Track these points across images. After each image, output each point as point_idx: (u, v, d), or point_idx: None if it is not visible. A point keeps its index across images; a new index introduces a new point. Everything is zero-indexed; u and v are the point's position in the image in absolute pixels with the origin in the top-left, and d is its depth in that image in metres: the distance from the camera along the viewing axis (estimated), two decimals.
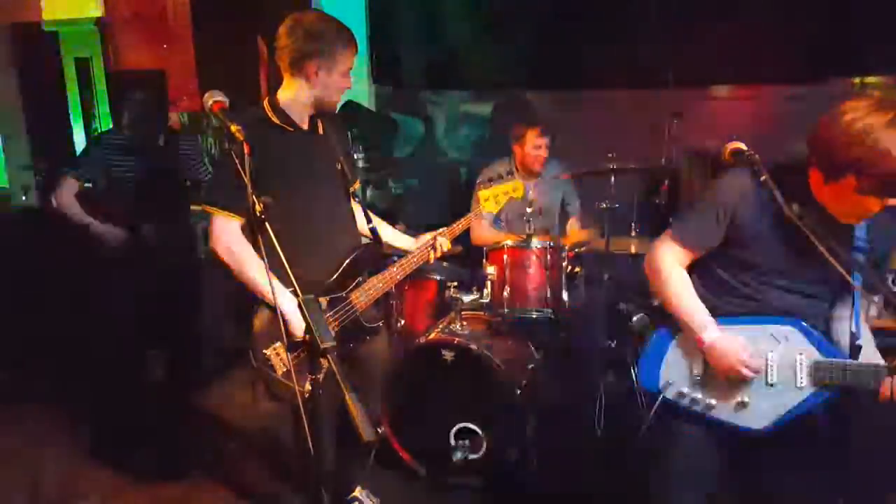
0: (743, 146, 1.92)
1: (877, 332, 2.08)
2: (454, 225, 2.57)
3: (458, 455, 2.83)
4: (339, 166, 2.38)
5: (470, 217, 2.63)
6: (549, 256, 3.34)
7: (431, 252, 2.50)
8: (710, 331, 1.94)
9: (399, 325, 3.40)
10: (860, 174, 1.67)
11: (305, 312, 1.63)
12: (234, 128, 1.72)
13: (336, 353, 1.63)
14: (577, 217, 4.10)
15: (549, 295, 3.32)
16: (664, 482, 2.13)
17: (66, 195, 3.45)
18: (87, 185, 3.51)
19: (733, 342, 1.92)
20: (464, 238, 3.51)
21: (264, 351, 2.17)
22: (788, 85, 4.13)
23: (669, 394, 2.07)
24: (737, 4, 4.16)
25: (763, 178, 1.81)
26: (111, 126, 3.72)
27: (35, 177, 5.36)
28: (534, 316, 3.31)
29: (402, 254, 2.52)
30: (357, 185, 2.52)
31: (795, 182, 1.82)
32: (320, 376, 2.12)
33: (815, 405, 1.88)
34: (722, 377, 1.96)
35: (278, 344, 2.16)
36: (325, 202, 2.33)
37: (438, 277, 3.42)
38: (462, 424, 2.87)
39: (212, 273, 3.56)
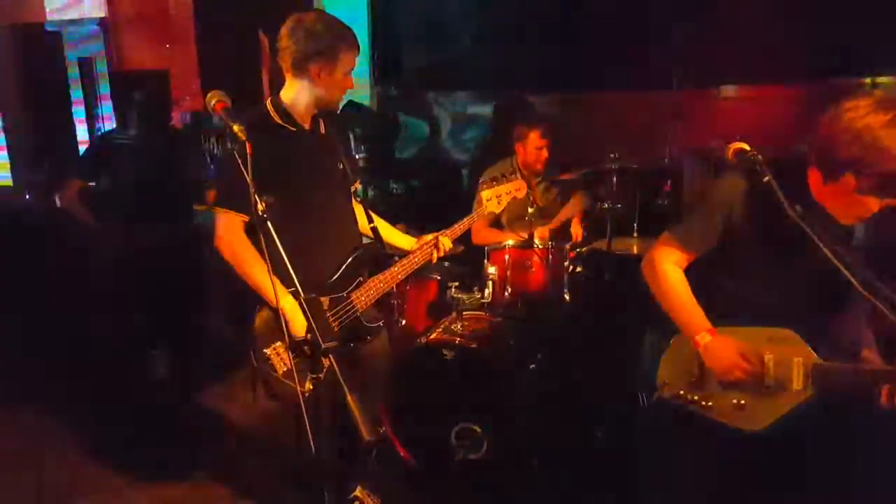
0: (746, 146, 1.91)
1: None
2: (456, 225, 2.56)
3: (459, 455, 2.83)
4: (340, 166, 2.38)
5: (473, 217, 2.63)
6: (550, 256, 3.34)
7: (434, 252, 2.50)
8: (707, 333, 1.94)
9: (400, 324, 3.40)
10: (859, 173, 1.66)
11: (307, 312, 1.63)
12: (236, 127, 1.72)
13: (337, 353, 1.64)
14: (579, 217, 4.09)
15: (550, 295, 3.32)
16: (662, 483, 2.13)
17: (69, 194, 3.46)
18: (90, 184, 3.52)
19: (730, 344, 1.91)
20: (465, 238, 3.51)
21: (265, 350, 2.16)
22: (791, 85, 4.12)
23: (666, 395, 2.06)
24: (740, 4, 4.15)
25: (766, 178, 1.80)
26: (114, 126, 3.72)
27: (38, 176, 5.37)
28: (535, 316, 3.30)
29: (403, 254, 2.52)
30: (358, 185, 2.52)
31: (794, 182, 1.81)
32: (321, 376, 2.13)
33: (812, 408, 1.86)
34: (719, 379, 1.95)
35: (279, 343, 2.16)
36: (327, 202, 2.33)
37: (439, 277, 3.42)
38: (463, 424, 2.86)
39: (213, 272, 3.57)
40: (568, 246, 3.53)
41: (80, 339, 4.00)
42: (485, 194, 2.66)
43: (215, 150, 4.43)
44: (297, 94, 2.21)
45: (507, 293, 3.31)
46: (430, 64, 5.42)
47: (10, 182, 5.88)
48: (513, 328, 3.23)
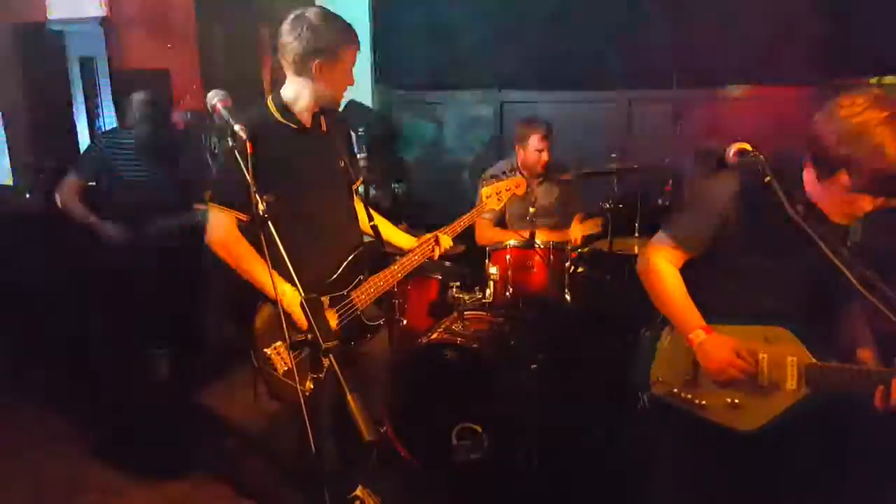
0: (748, 146, 1.91)
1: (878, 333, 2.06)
2: (455, 222, 2.56)
3: (460, 455, 2.83)
4: (341, 164, 2.37)
5: (472, 214, 2.62)
6: (551, 256, 3.33)
7: (436, 248, 2.50)
8: (702, 331, 1.93)
9: (401, 324, 3.39)
10: (853, 171, 1.65)
11: (307, 311, 1.63)
12: (237, 126, 1.72)
13: (337, 352, 1.63)
14: (580, 216, 4.09)
15: (551, 295, 3.31)
16: (657, 482, 2.12)
17: (70, 194, 3.45)
18: (90, 183, 3.51)
19: (724, 343, 1.91)
20: (466, 237, 3.51)
21: (265, 350, 2.16)
22: (794, 86, 4.11)
23: (660, 393, 2.06)
24: (742, 4, 4.14)
25: (767, 178, 1.80)
26: (115, 125, 3.72)
27: (39, 175, 5.37)
28: (536, 316, 3.30)
29: (403, 252, 2.52)
30: (360, 183, 2.52)
31: (788, 182, 1.80)
32: (321, 375, 2.12)
33: (806, 408, 1.85)
34: (713, 378, 1.94)
35: (279, 343, 2.15)
36: (328, 200, 2.33)
37: (441, 277, 3.42)
38: (464, 424, 2.86)
39: (214, 272, 3.57)
40: (569, 247, 3.53)
41: (81, 339, 4.00)
42: (484, 191, 2.66)
43: (216, 149, 4.42)
44: (297, 91, 2.20)
45: (508, 293, 3.31)
46: (432, 64, 5.41)
47: (10, 182, 5.88)
48: (514, 328, 3.23)
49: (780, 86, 4.19)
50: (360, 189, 2.57)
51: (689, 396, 2.01)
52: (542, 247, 3.35)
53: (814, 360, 1.84)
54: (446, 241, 2.51)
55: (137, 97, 3.53)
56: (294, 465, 2.93)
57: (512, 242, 3.39)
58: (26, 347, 4.20)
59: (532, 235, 3.40)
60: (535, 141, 3.79)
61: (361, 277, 2.34)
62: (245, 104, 2.17)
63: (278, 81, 2.27)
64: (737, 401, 1.93)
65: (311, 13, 2.14)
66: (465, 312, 3.12)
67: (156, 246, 3.49)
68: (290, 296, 2.05)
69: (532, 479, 2.91)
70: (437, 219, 2.69)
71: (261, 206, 1.68)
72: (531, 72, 4.92)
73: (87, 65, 5.97)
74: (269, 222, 1.69)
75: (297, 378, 1.77)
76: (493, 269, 3.29)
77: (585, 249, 3.74)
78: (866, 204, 1.71)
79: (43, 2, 5.92)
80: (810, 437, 1.94)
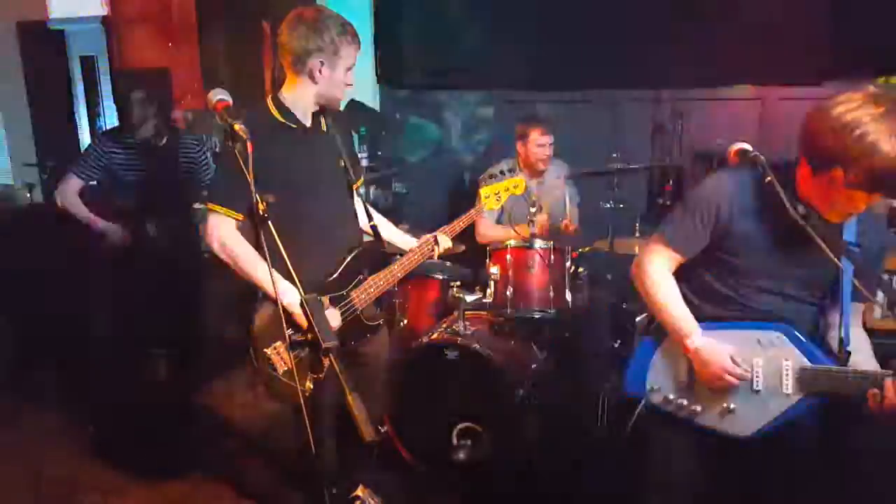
0: (748, 147, 1.90)
1: (880, 334, 2.06)
2: (455, 222, 2.55)
3: (461, 455, 2.82)
4: (341, 164, 2.37)
5: (471, 214, 2.62)
6: (552, 256, 3.33)
7: (437, 248, 2.50)
8: (696, 336, 1.92)
9: (402, 324, 3.39)
10: (848, 167, 1.62)
11: (307, 311, 1.63)
12: (237, 126, 1.72)
13: (337, 352, 1.64)
14: (570, 217, 4.07)
15: (552, 295, 3.31)
16: (652, 488, 2.12)
17: (70, 193, 3.45)
18: (90, 182, 3.51)
19: (719, 349, 1.89)
20: (467, 237, 3.50)
21: (265, 350, 2.16)
22: (795, 86, 4.11)
23: (655, 399, 2.05)
24: (743, 4, 4.14)
25: (768, 179, 1.79)
26: (116, 124, 3.73)
27: (40, 174, 5.38)
28: (537, 316, 3.30)
29: (402, 252, 2.51)
30: (360, 183, 2.51)
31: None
32: (322, 375, 2.12)
33: (802, 412, 1.85)
34: (708, 384, 1.94)
35: (279, 343, 2.15)
36: (327, 200, 2.32)
37: (441, 277, 3.42)
38: (464, 424, 2.86)
39: (214, 272, 3.57)
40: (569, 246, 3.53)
41: (81, 339, 4.00)
42: (483, 191, 2.65)
43: (217, 149, 4.42)
44: (297, 91, 2.20)
45: (508, 293, 3.30)
46: (434, 63, 5.41)
47: (10, 181, 5.88)
48: (514, 328, 3.22)
49: (782, 86, 4.19)
50: (361, 189, 2.57)
51: (685, 403, 2.00)
52: (542, 246, 3.35)
53: (808, 364, 1.83)
54: (445, 241, 2.50)
55: (138, 96, 3.52)
56: (294, 465, 2.93)
57: (512, 242, 3.39)
58: (26, 347, 4.20)
59: (533, 235, 3.39)
60: (536, 137, 3.79)
61: (361, 277, 2.34)
62: (246, 104, 2.17)
63: (279, 81, 2.27)
64: (732, 406, 1.92)
65: (310, 12, 2.13)
66: (466, 312, 3.11)
67: (156, 245, 3.48)
68: (290, 297, 2.05)
69: (532, 479, 2.91)
70: (438, 219, 2.69)
71: (261, 206, 1.68)
72: (531, 72, 4.91)
73: (87, 64, 5.99)
74: (269, 222, 1.69)
75: (297, 378, 1.77)
76: (493, 269, 3.28)
77: (586, 249, 3.74)
78: (860, 201, 1.69)
79: (44, 1, 5.92)
80: (806, 441, 1.93)
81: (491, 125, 5.38)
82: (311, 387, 2.14)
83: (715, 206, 1.89)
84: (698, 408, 1.98)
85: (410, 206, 5.18)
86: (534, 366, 3.11)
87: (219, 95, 1.84)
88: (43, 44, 5.90)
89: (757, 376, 1.89)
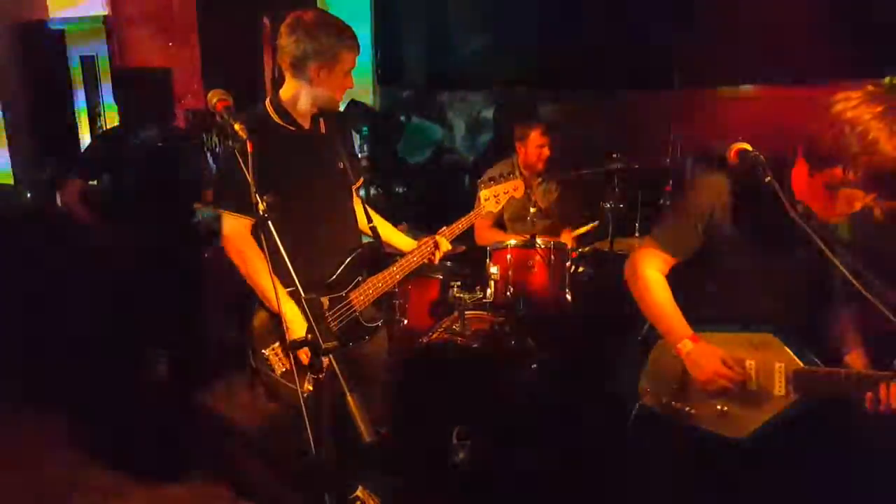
0: (748, 147, 1.90)
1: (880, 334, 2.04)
2: (454, 224, 2.56)
3: (460, 455, 2.82)
4: (341, 165, 2.37)
5: (471, 216, 2.62)
6: (552, 256, 3.33)
7: (436, 252, 2.50)
8: (689, 339, 1.92)
9: (402, 324, 3.39)
10: (847, 166, 1.61)
11: (307, 312, 1.62)
12: (237, 126, 1.72)
13: (336, 353, 1.63)
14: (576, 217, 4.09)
15: (552, 295, 3.31)
16: (647, 489, 2.12)
17: (70, 193, 3.45)
18: (91, 183, 3.51)
19: (712, 351, 1.89)
20: (467, 238, 3.50)
21: (263, 351, 2.16)
22: (796, 87, 4.10)
23: (649, 401, 2.05)
24: (743, 4, 4.13)
25: (768, 179, 1.78)
26: (116, 124, 3.72)
27: (40, 174, 5.37)
28: (537, 316, 3.30)
29: (402, 253, 2.52)
30: (360, 184, 2.51)
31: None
32: (321, 376, 2.12)
33: (795, 414, 1.84)
34: (701, 386, 1.93)
35: (277, 344, 2.15)
36: (327, 201, 2.32)
37: (441, 277, 3.42)
38: (464, 425, 2.86)
39: (214, 272, 3.57)
40: (569, 247, 3.53)
41: (81, 339, 4.00)
42: (483, 194, 2.66)
43: (217, 149, 4.42)
44: (296, 93, 2.20)
45: (509, 293, 3.30)
46: (433, 63, 5.41)
47: (11, 181, 5.88)
48: (514, 328, 3.23)
49: (785, 86, 4.18)
50: (361, 191, 2.57)
51: (679, 406, 1.99)
52: (542, 247, 3.35)
53: (801, 366, 1.83)
54: (445, 244, 2.51)
55: (138, 96, 3.52)
56: (294, 466, 2.93)
57: (513, 242, 3.39)
58: (27, 347, 4.20)
59: (532, 236, 3.39)
60: (535, 137, 3.80)
61: (360, 279, 2.34)
62: (246, 104, 2.17)
63: (279, 82, 2.27)
64: (726, 409, 1.92)
65: (309, 16, 2.13)
66: (466, 312, 3.11)
67: (156, 245, 3.48)
68: (291, 314, 2.05)
69: (532, 479, 2.90)
70: (438, 219, 2.69)
71: (261, 207, 1.67)
72: (531, 72, 4.90)
73: (87, 64, 5.98)
74: (269, 223, 1.68)
75: (296, 379, 1.77)
76: (493, 269, 3.28)
77: (586, 249, 3.74)
78: (857, 200, 1.68)
79: (44, 1, 5.92)
80: (800, 443, 1.93)
81: (490, 126, 5.38)
82: (311, 388, 2.14)
83: (708, 207, 1.89)
84: (691, 410, 1.98)
85: (410, 205, 5.18)
86: (533, 366, 3.11)
87: (218, 96, 1.84)
88: (43, 43, 5.89)
89: (750, 379, 1.89)
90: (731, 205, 1.86)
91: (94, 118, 6.07)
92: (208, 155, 3.75)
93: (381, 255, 2.44)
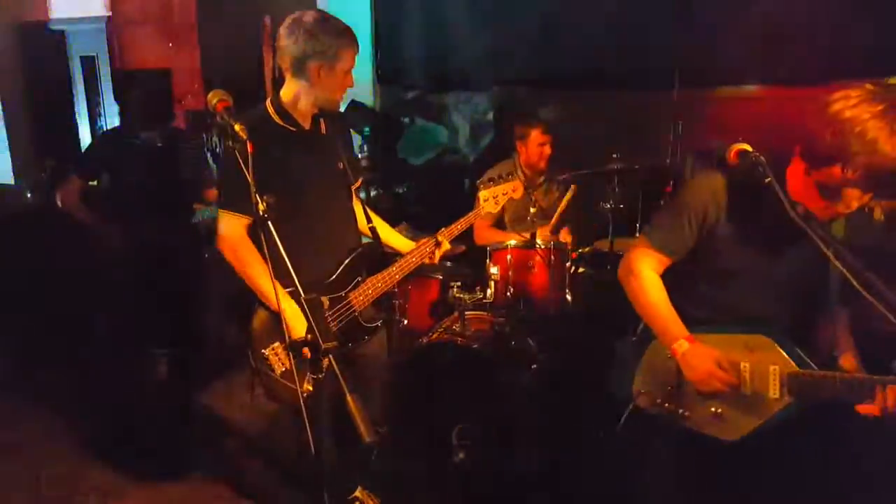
0: (748, 147, 1.90)
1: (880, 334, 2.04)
2: (453, 225, 2.56)
3: (460, 455, 2.82)
4: (340, 166, 2.37)
5: (470, 217, 2.62)
6: (552, 257, 3.33)
7: (436, 250, 2.50)
8: (684, 340, 1.91)
9: (402, 324, 3.39)
10: (846, 164, 1.61)
11: (307, 312, 1.62)
12: (237, 127, 1.72)
13: (336, 354, 1.63)
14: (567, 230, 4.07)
15: (552, 295, 3.31)
16: (642, 490, 2.12)
17: (70, 193, 3.45)
18: (91, 183, 3.51)
19: (707, 353, 1.88)
20: (467, 238, 3.49)
21: (263, 351, 2.16)
22: (797, 87, 4.10)
23: (643, 402, 2.04)
24: (744, 4, 4.13)
25: (768, 179, 1.78)
26: (116, 124, 3.72)
27: (40, 175, 5.37)
28: (537, 316, 3.30)
29: (401, 254, 2.52)
30: (359, 184, 2.51)
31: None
32: (321, 376, 2.12)
33: (789, 417, 1.83)
34: (696, 389, 1.93)
35: (277, 344, 2.15)
36: (327, 202, 2.33)
37: (441, 277, 3.42)
38: (464, 425, 2.86)
39: (214, 272, 3.57)
40: (569, 246, 3.53)
41: (81, 339, 4.00)
42: (482, 194, 2.66)
43: (217, 150, 4.43)
44: (296, 93, 2.20)
45: (509, 293, 3.30)
46: (433, 64, 5.40)
47: (11, 181, 5.89)
48: (514, 328, 3.23)
49: (785, 86, 4.17)
50: (362, 192, 2.57)
51: (673, 407, 1.99)
52: (542, 247, 3.35)
53: (796, 369, 1.82)
54: (444, 243, 2.51)
55: (138, 96, 3.52)
56: (294, 466, 2.93)
57: (513, 242, 3.39)
58: (27, 347, 4.20)
59: (533, 236, 3.39)
60: (536, 136, 3.80)
61: (360, 279, 2.34)
62: (246, 104, 2.17)
63: (279, 82, 2.27)
64: (720, 411, 1.92)
65: (308, 16, 2.14)
66: (466, 312, 3.11)
67: (156, 245, 3.49)
68: (291, 313, 2.05)
69: (532, 479, 2.90)
70: (439, 219, 2.69)
71: (261, 207, 1.68)
72: (531, 72, 4.90)
73: (88, 64, 5.99)
74: (269, 223, 1.69)
75: (296, 379, 1.77)
76: (493, 269, 3.28)
77: (586, 249, 3.74)
78: (854, 199, 1.67)
79: (45, 1, 5.93)
80: (794, 445, 1.93)
81: (491, 126, 5.37)
82: (311, 388, 2.14)
83: (702, 207, 1.88)
84: (685, 412, 1.97)
85: (410, 206, 5.18)
86: (533, 366, 3.11)
87: (218, 96, 1.84)
88: (43, 44, 5.90)
89: (745, 381, 1.88)
90: (726, 205, 1.86)
91: (94, 118, 6.08)
92: (208, 155, 3.75)
93: (380, 255, 2.44)
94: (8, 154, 5.90)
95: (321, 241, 2.27)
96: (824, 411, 1.81)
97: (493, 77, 5.14)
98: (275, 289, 1.69)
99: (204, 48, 5.64)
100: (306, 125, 2.26)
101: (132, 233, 3.47)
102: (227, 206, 2.15)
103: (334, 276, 2.26)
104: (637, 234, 3.80)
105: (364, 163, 4.68)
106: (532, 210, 3.40)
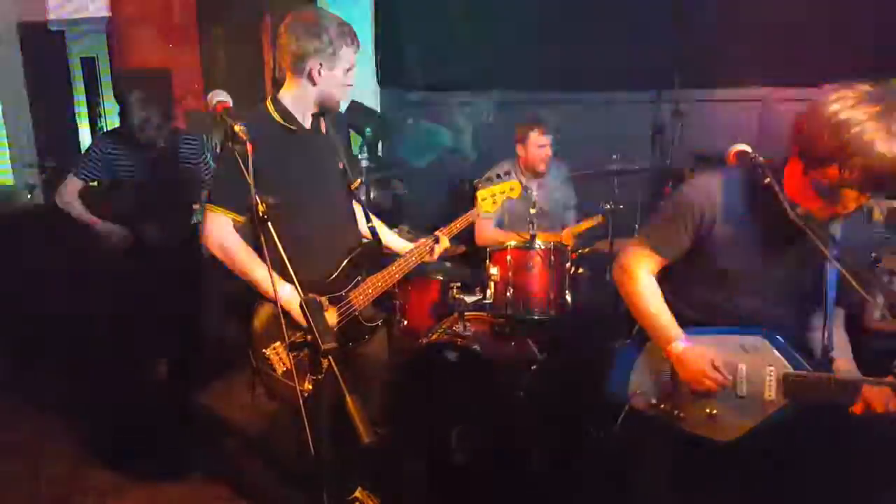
0: (748, 148, 1.90)
1: (879, 334, 2.05)
2: (452, 224, 2.57)
3: (460, 455, 2.82)
4: (340, 166, 2.37)
5: (468, 216, 2.62)
6: (552, 257, 3.33)
7: (436, 247, 2.50)
8: (679, 341, 1.91)
9: (402, 325, 3.39)
10: (843, 165, 1.60)
11: (307, 313, 1.62)
12: (237, 127, 1.72)
13: (336, 354, 1.63)
14: (573, 218, 4.08)
15: (552, 296, 3.31)
16: (638, 490, 2.12)
17: (70, 194, 3.45)
18: (91, 184, 3.51)
19: (702, 354, 1.89)
20: (467, 238, 3.49)
21: (264, 350, 2.16)
22: (796, 87, 4.09)
23: (638, 403, 2.04)
24: (743, 4, 4.13)
25: (767, 180, 1.78)
26: (117, 125, 3.72)
27: (41, 174, 5.38)
28: (537, 317, 3.30)
29: (401, 254, 2.52)
30: (358, 184, 2.51)
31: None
32: (321, 376, 2.12)
33: (784, 418, 1.84)
34: (691, 389, 1.93)
35: (278, 343, 2.15)
36: (326, 202, 2.33)
37: (441, 278, 3.42)
38: (464, 425, 2.86)
39: (214, 272, 3.56)
40: (569, 247, 3.53)
41: (81, 339, 4.00)
42: (480, 194, 2.66)
43: (217, 150, 4.42)
44: (297, 92, 2.20)
45: (508, 294, 3.30)
46: (434, 65, 5.40)
47: (10, 181, 5.88)
48: (514, 329, 3.22)
49: (785, 86, 4.18)
50: (359, 190, 2.57)
51: (668, 408, 1.99)
52: (542, 247, 3.35)
53: (791, 370, 1.82)
54: (443, 242, 2.51)
55: (138, 97, 3.52)
56: (293, 466, 2.93)
57: (512, 243, 3.39)
58: (26, 348, 4.20)
59: (533, 237, 3.39)
60: (536, 137, 3.80)
61: (359, 278, 2.34)
62: (246, 104, 2.17)
63: (279, 82, 2.27)
64: (715, 412, 1.92)
65: (308, 14, 2.14)
66: (466, 313, 3.11)
67: (156, 246, 3.48)
68: (289, 296, 2.05)
69: (532, 479, 2.90)
70: (439, 220, 2.69)
71: (261, 208, 1.68)
72: (531, 73, 4.90)
73: (88, 64, 5.98)
74: (269, 223, 1.69)
75: (296, 379, 1.77)
76: (493, 270, 3.28)
77: (586, 250, 3.74)
78: (851, 200, 1.67)
79: (44, 1, 5.92)
80: (788, 446, 1.92)
81: (491, 126, 5.37)
82: (311, 388, 2.14)
83: (698, 208, 1.88)
84: (681, 412, 1.97)
85: (411, 206, 5.18)
86: (533, 367, 3.11)
87: (219, 97, 1.84)
88: (43, 44, 5.90)
89: (740, 382, 1.88)
90: (723, 206, 1.86)
91: (94, 118, 6.07)
92: (208, 155, 3.74)
93: (380, 255, 2.44)
94: (7, 154, 5.90)
95: (321, 241, 2.27)
96: (819, 413, 1.81)
97: (493, 78, 5.14)
98: (270, 275, 1.69)
99: (204, 48, 5.64)
100: (307, 124, 2.26)
101: (132, 232, 3.46)
102: (217, 203, 2.14)
103: (334, 276, 2.27)
104: (636, 235, 3.80)
105: (364, 163, 4.68)
106: (532, 211, 3.40)
